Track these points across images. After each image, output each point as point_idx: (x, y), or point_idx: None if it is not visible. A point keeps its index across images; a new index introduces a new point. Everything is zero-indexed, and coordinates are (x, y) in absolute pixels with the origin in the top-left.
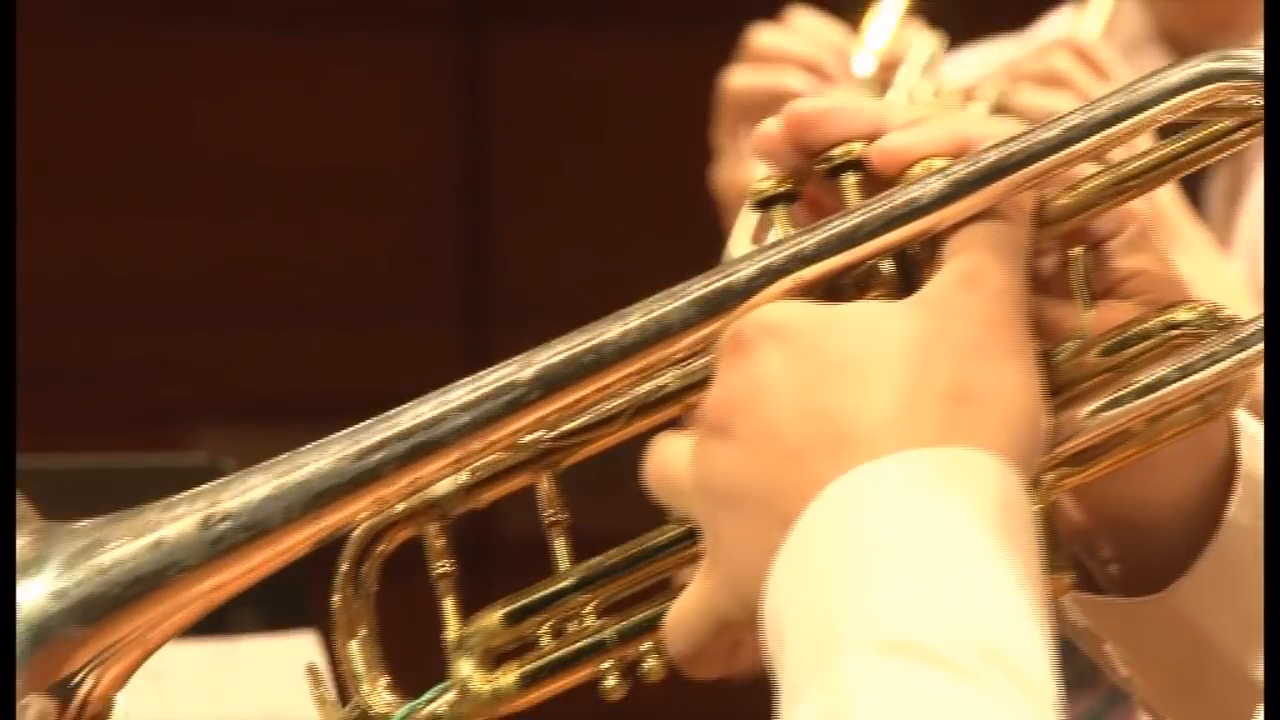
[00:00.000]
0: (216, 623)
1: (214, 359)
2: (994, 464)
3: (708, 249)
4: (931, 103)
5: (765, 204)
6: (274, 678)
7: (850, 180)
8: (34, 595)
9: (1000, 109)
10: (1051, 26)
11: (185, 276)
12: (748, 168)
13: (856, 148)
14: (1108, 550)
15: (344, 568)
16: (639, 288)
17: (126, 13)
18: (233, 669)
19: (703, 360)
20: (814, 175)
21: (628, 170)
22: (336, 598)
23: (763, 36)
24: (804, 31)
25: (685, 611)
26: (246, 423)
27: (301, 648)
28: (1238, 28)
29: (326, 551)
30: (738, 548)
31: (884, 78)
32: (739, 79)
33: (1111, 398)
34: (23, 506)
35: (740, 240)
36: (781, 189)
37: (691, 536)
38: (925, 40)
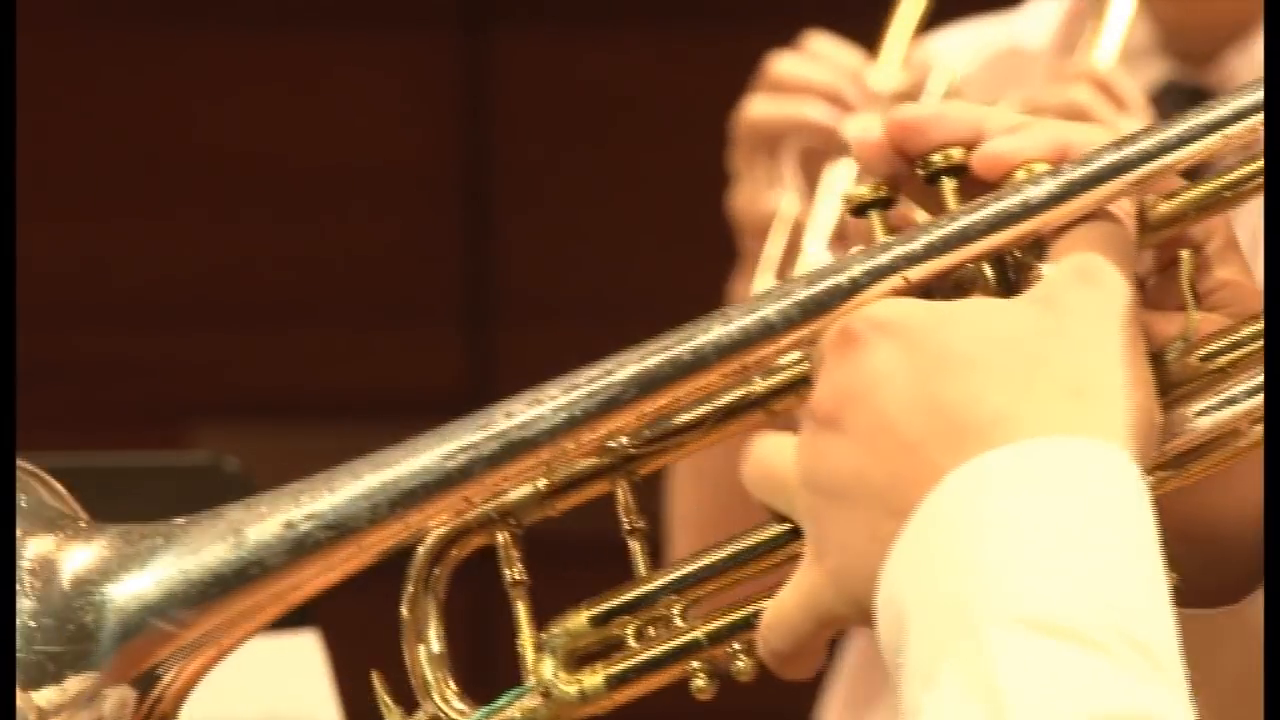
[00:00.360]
0: None
1: (216, 358)
2: (1115, 454)
3: (710, 249)
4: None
5: (861, 210)
6: (276, 677)
7: (949, 185)
8: (118, 593)
9: None
10: (1036, 11)
11: (187, 275)
12: (766, 195)
13: (956, 154)
14: (1184, 562)
15: (414, 574)
16: (641, 287)
17: (127, 12)
18: (234, 668)
19: (789, 370)
20: (911, 181)
21: (630, 170)
22: (405, 605)
23: (781, 64)
24: (823, 58)
25: (786, 609)
26: (248, 421)
27: (304, 647)
28: (1244, 36)
29: None
30: (847, 541)
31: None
32: (758, 108)
33: (1215, 400)
34: (74, 507)
35: (767, 271)
36: (879, 194)
37: (791, 536)
38: (944, 67)
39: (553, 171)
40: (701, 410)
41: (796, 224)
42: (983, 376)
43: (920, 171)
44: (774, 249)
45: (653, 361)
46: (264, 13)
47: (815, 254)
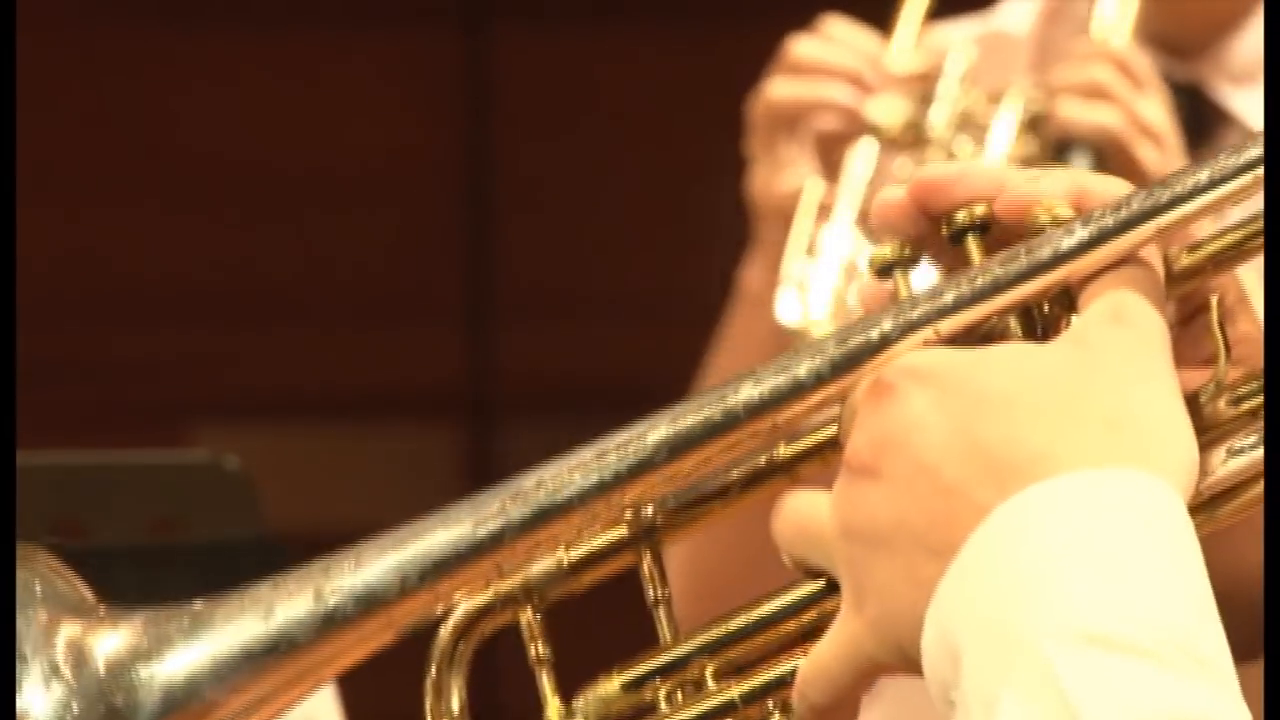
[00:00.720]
0: None
1: (216, 356)
2: (1155, 483)
3: (711, 246)
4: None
5: (886, 270)
6: None
7: (974, 242)
8: (150, 674)
9: (1034, 119)
10: (1011, 10)
11: (186, 274)
12: (786, 177)
13: (979, 210)
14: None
15: (438, 652)
16: (641, 285)
17: (127, 11)
18: None
19: (814, 434)
20: (935, 240)
21: (630, 167)
22: (429, 682)
23: (801, 47)
24: (841, 41)
25: (825, 661)
26: (249, 420)
27: None
28: (1231, 31)
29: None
30: (888, 587)
31: (924, 89)
32: (780, 90)
33: (1248, 441)
34: (86, 592)
35: (796, 251)
36: (902, 254)
37: (825, 593)
38: (961, 49)
39: (553, 169)
40: (727, 477)
41: (822, 206)
42: (1020, 416)
43: (945, 230)
44: (801, 231)
45: (684, 423)
46: (265, 11)
47: (843, 235)
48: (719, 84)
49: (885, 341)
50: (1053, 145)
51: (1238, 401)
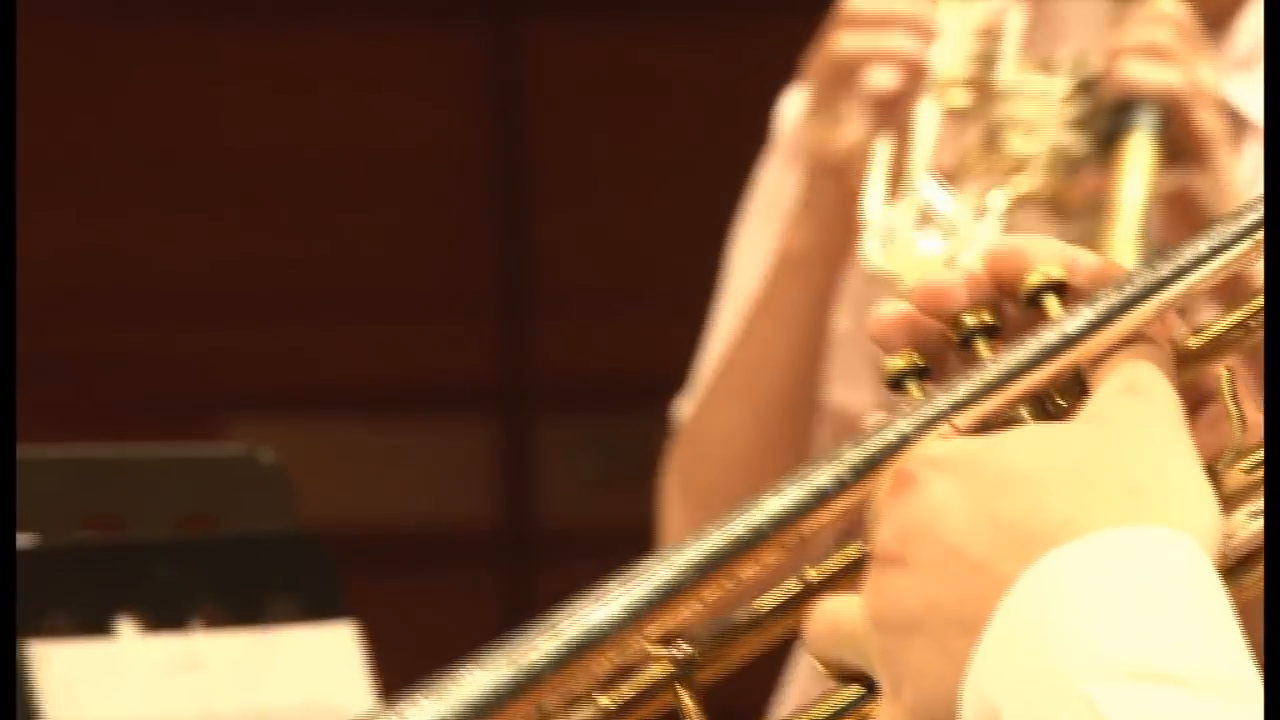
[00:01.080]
0: (254, 613)
1: (251, 351)
2: (1182, 538)
3: None
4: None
5: (898, 382)
6: (312, 668)
7: (984, 345)
8: None
9: (1085, 83)
10: None
11: (221, 269)
12: (847, 131)
13: (987, 317)
14: None
15: None
16: (677, 279)
17: (157, 8)
18: (271, 659)
19: (842, 556)
20: (946, 346)
21: (665, 160)
22: None
23: (857, 1)
24: None
25: None
26: (283, 414)
27: (340, 638)
28: (1229, 17)
29: (360, 544)
30: (924, 670)
31: (986, 48)
32: (845, 42)
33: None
34: None
35: (875, 198)
36: (914, 364)
37: (863, 698)
38: (1018, 12)
39: (587, 163)
40: (759, 608)
41: (883, 162)
42: (1042, 489)
43: (954, 335)
44: (876, 179)
45: (709, 543)
46: (297, 5)
47: (916, 185)
48: (754, 75)
49: (904, 441)
50: (1111, 106)
51: (1256, 468)
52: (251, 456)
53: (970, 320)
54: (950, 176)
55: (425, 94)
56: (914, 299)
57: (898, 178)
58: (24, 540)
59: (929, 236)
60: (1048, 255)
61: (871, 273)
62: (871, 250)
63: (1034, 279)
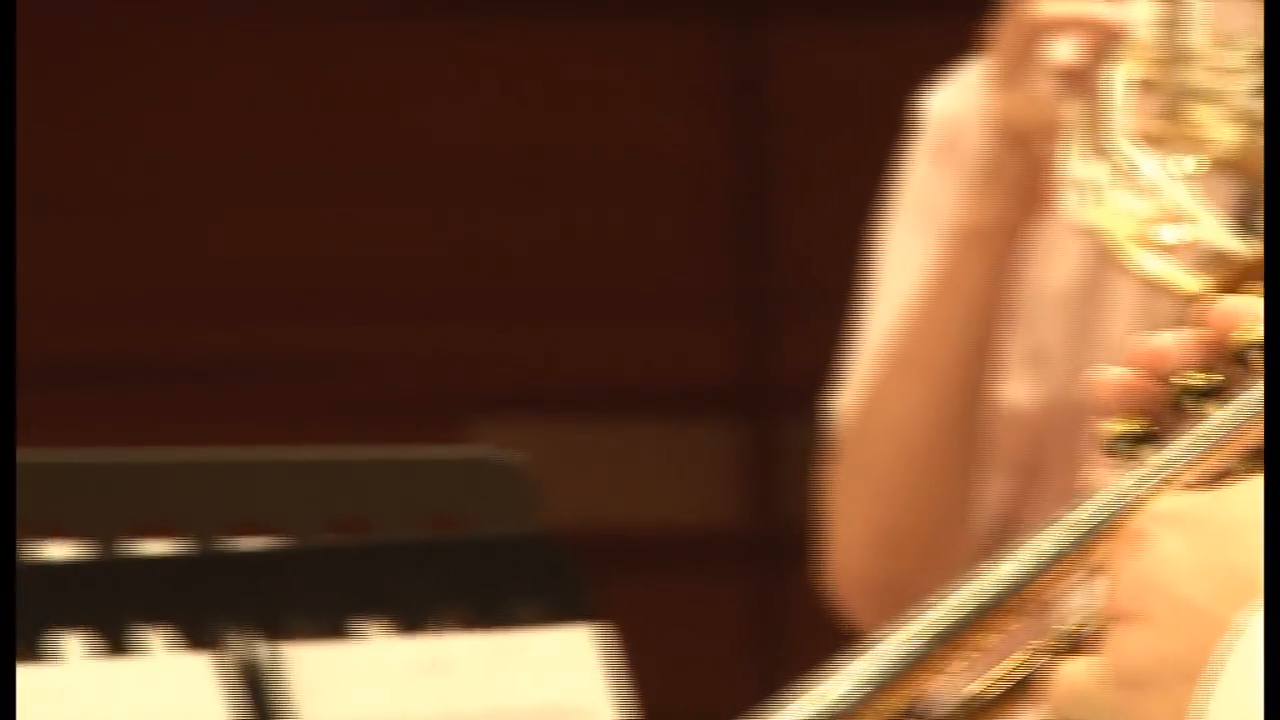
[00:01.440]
0: (499, 615)
1: (493, 351)
2: None
3: None
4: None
5: (1130, 449)
6: (556, 670)
7: (1207, 404)
8: None
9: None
10: None
11: (466, 268)
12: (1045, 99)
13: (1206, 377)
14: None
15: None
16: None
17: (384, 3)
18: (515, 661)
19: (1071, 625)
20: (1169, 405)
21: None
22: None
23: None
24: None
25: None
26: (525, 416)
27: (583, 641)
28: None
29: (605, 546)
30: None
31: (1173, 14)
32: (1046, 6)
33: None
34: None
35: (1077, 159)
36: (1146, 430)
37: None
38: None
39: (825, 165)
40: (996, 683)
41: (1085, 123)
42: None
43: (1178, 397)
44: (1073, 145)
45: (947, 609)
46: (534, 3)
47: (1115, 148)
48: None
49: (1133, 501)
50: None
51: None
52: (497, 458)
53: (1198, 381)
54: (1141, 140)
55: (668, 94)
56: (1134, 361)
57: (1090, 143)
58: (271, 543)
59: (1130, 195)
60: (1255, 315)
61: (1077, 228)
62: (1076, 206)
63: (1244, 337)
